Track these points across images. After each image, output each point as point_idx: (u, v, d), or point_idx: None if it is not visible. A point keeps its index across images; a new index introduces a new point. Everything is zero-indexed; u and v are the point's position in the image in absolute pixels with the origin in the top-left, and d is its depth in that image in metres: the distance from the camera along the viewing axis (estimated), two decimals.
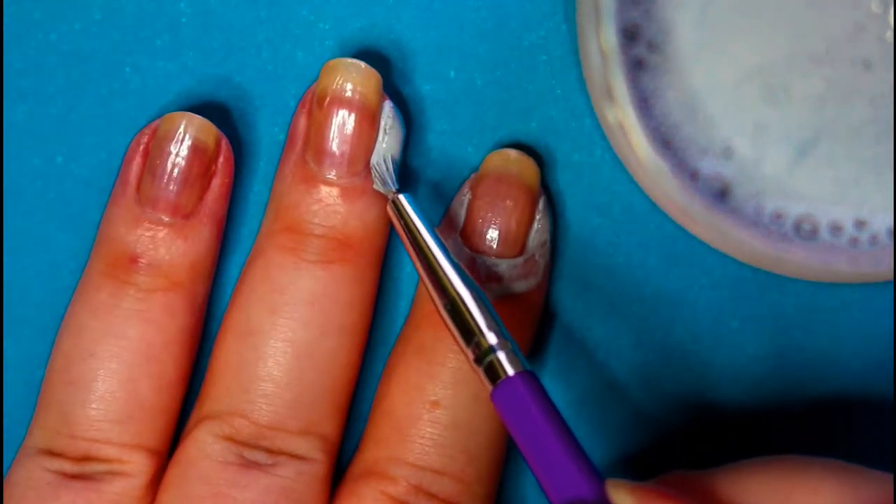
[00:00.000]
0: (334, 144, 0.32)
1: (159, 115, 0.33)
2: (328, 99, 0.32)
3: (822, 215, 0.30)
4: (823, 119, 0.30)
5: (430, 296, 0.30)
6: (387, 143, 0.32)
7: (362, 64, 0.32)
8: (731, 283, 0.34)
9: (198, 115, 0.32)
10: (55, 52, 0.34)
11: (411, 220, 0.31)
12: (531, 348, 0.34)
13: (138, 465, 0.32)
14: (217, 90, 0.34)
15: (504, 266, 0.32)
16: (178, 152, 0.32)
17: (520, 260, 0.33)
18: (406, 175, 0.34)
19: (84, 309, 0.32)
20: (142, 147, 0.33)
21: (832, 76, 0.30)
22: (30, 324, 0.34)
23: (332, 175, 0.32)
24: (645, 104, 0.30)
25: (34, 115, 0.34)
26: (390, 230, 0.33)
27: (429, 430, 0.31)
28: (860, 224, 0.30)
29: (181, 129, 0.32)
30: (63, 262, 0.34)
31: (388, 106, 0.32)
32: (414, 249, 0.31)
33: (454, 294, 0.30)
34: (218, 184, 0.33)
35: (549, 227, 0.33)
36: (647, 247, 0.34)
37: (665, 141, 0.30)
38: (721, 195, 0.30)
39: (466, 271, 0.31)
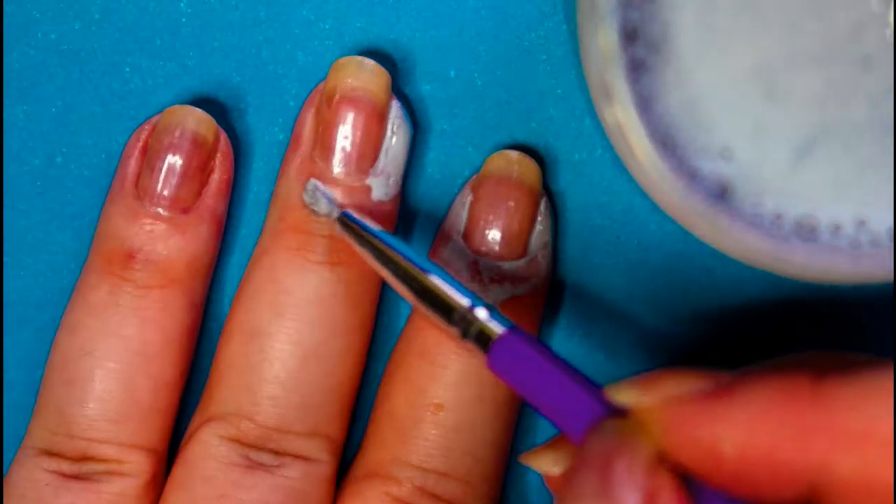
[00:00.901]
0: (344, 143, 0.32)
1: None
2: (338, 97, 0.32)
3: (822, 215, 0.30)
4: (823, 119, 0.30)
5: (402, 293, 0.30)
6: (395, 143, 0.32)
7: (372, 63, 0.32)
8: (731, 283, 0.34)
9: (197, 109, 0.32)
10: (55, 52, 0.34)
11: (364, 232, 0.31)
12: None
13: (136, 465, 0.32)
14: (217, 90, 0.34)
15: (506, 268, 0.32)
16: (177, 145, 0.32)
17: (522, 261, 0.33)
18: (406, 175, 0.34)
19: (82, 307, 0.32)
20: (140, 143, 0.33)
21: (832, 76, 0.30)
22: (30, 324, 0.34)
23: (339, 173, 0.32)
24: (645, 104, 0.30)
25: (34, 115, 0.34)
26: (396, 227, 0.33)
27: (432, 432, 0.31)
28: (860, 224, 0.30)
29: (180, 123, 0.32)
30: (63, 262, 0.34)
31: (396, 106, 0.32)
32: (373, 257, 0.30)
33: (421, 282, 0.29)
34: (216, 179, 0.33)
35: (550, 229, 0.33)
36: (647, 247, 0.34)
37: (665, 141, 0.30)
38: (721, 195, 0.30)
39: (433, 259, 0.30)
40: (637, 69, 0.30)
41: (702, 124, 0.30)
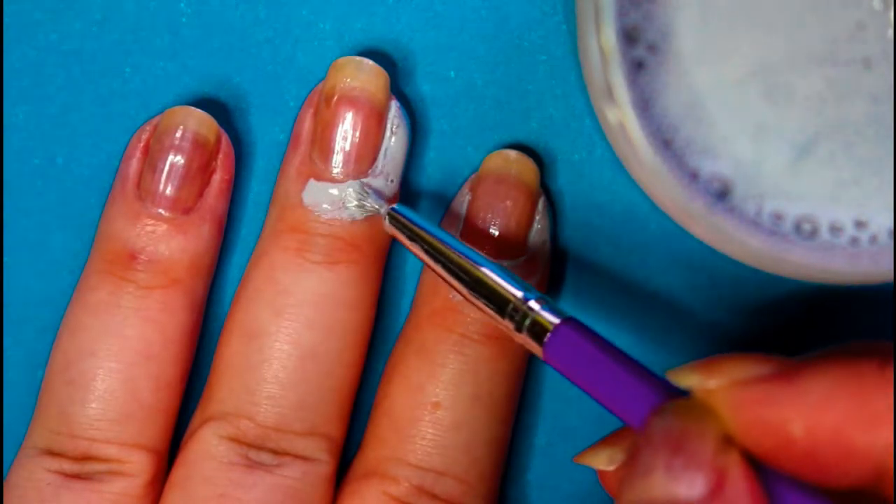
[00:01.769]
0: (343, 143, 0.32)
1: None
2: (336, 97, 0.32)
3: (822, 215, 0.30)
4: (824, 119, 0.30)
5: (455, 288, 0.30)
6: (394, 143, 0.32)
7: (371, 63, 0.32)
8: (731, 283, 0.34)
9: (198, 110, 0.32)
10: (55, 52, 0.34)
11: (415, 227, 0.31)
12: None
13: (138, 465, 0.32)
14: (217, 90, 0.34)
15: (505, 266, 0.32)
16: (179, 146, 0.32)
17: (520, 260, 0.33)
18: (406, 175, 0.34)
19: (83, 308, 0.32)
20: (142, 143, 0.33)
21: (833, 75, 0.30)
22: (30, 324, 0.34)
23: (338, 173, 0.32)
24: (645, 104, 0.30)
25: (34, 115, 0.34)
26: None
27: (430, 431, 0.31)
28: (860, 224, 0.30)
29: (181, 124, 0.32)
30: (63, 262, 0.34)
31: (394, 106, 0.32)
32: (426, 254, 0.31)
33: (474, 275, 0.30)
34: (218, 180, 0.33)
35: (548, 228, 0.33)
36: (647, 247, 0.34)
37: (665, 141, 0.30)
38: (721, 195, 0.30)
39: (480, 252, 0.30)
40: (637, 69, 0.30)
41: (702, 124, 0.30)
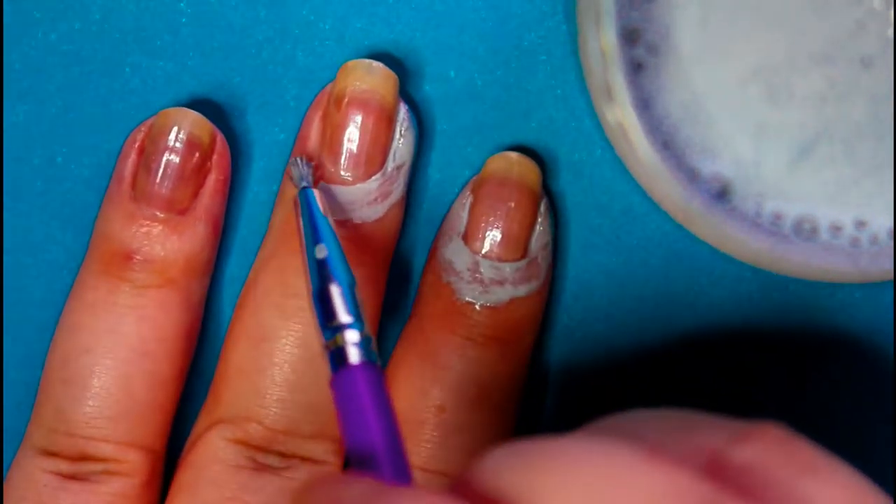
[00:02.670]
0: (352, 146, 0.32)
1: None
2: (346, 100, 0.32)
3: (822, 215, 0.30)
4: (824, 119, 0.30)
5: (306, 285, 0.30)
6: (402, 146, 0.32)
7: (381, 66, 0.32)
8: (731, 283, 0.34)
9: (192, 111, 0.32)
10: (55, 52, 0.34)
11: (310, 212, 0.30)
12: (532, 349, 0.34)
13: (134, 465, 0.32)
14: (217, 90, 0.34)
15: (507, 269, 0.32)
16: (173, 147, 0.32)
17: (522, 263, 0.33)
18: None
19: (80, 306, 0.32)
20: (137, 144, 0.33)
21: (833, 75, 0.30)
22: (30, 324, 0.34)
23: (348, 176, 0.32)
24: (645, 104, 0.30)
25: (34, 115, 0.34)
26: (400, 230, 0.33)
27: (435, 434, 0.31)
28: (860, 224, 0.30)
29: (175, 124, 0.32)
30: (63, 262, 0.34)
31: (403, 108, 0.32)
32: (306, 239, 0.30)
33: (324, 285, 0.29)
34: (213, 180, 0.33)
35: (550, 230, 0.33)
36: (647, 247, 0.34)
37: (665, 141, 0.30)
38: (721, 195, 0.30)
39: (346, 264, 0.30)
40: (637, 69, 0.30)
41: (702, 124, 0.30)
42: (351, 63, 0.32)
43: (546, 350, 0.34)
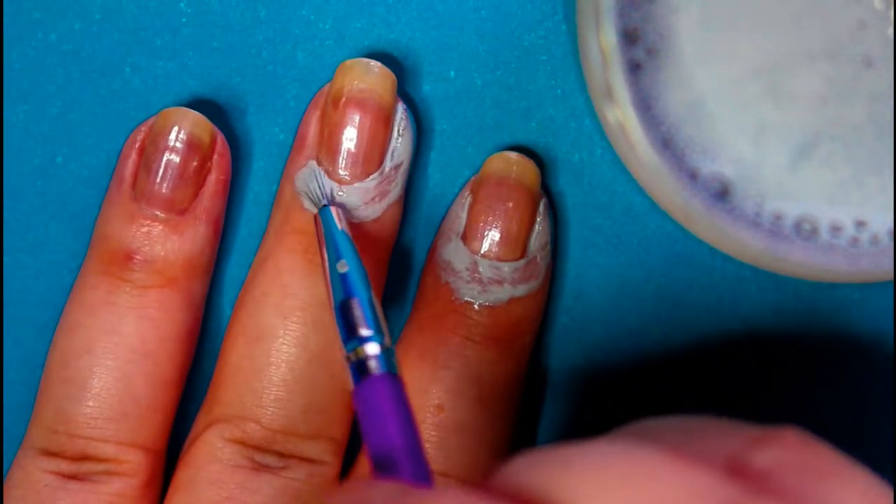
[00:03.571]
0: (350, 145, 0.32)
1: None
2: (344, 99, 0.32)
3: (822, 215, 0.30)
4: (824, 119, 0.30)
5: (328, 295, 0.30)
6: (400, 145, 0.32)
7: (379, 65, 0.32)
8: (731, 283, 0.34)
9: (192, 111, 0.32)
10: (55, 52, 0.34)
11: (331, 229, 0.31)
12: (532, 349, 0.34)
13: (134, 465, 0.32)
14: (217, 90, 0.34)
15: (506, 269, 0.32)
16: (173, 147, 0.32)
17: (521, 263, 0.33)
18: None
19: (80, 306, 0.32)
20: (137, 144, 0.33)
21: (833, 75, 0.30)
22: (30, 324, 0.34)
23: (345, 175, 0.32)
24: (645, 104, 0.30)
25: (34, 115, 0.34)
26: (398, 230, 0.33)
27: (433, 433, 0.31)
28: (860, 224, 0.30)
29: (176, 125, 0.32)
30: (63, 262, 0.34)
31: (401, 108, 0.32)
32: (328, 254, 0.30)
33: (346, 298, 0.29)
34: (213, 180, 0.33)
35: (549, 230, 0.33)
36: (647, 247, 0.34)
37: (665, 141, 0.30)
38: (721, 195, 0.30)
39: (367, 277, 0.30)
40: (637, 69, 0.30)
41: (702, 124, 0.30)
42: (348, 62, 0.32)
43: (546, 350, 0.34)
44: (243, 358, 0.32)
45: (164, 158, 0.32)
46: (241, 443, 0.31)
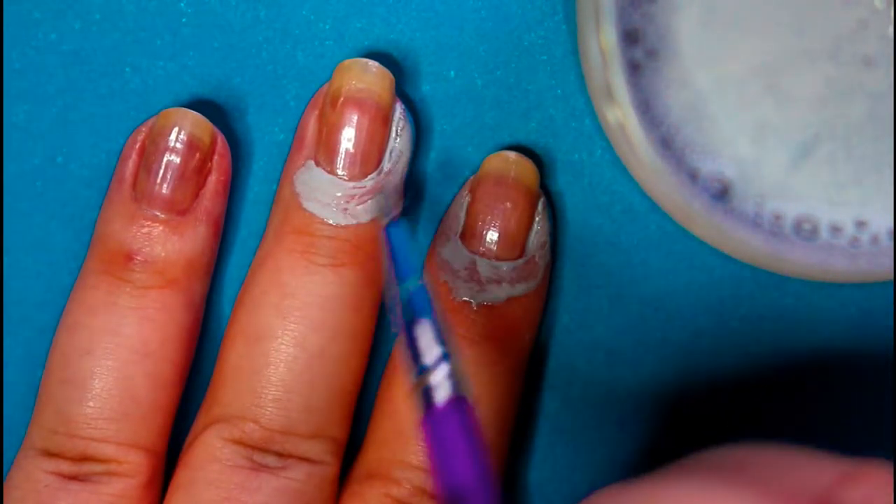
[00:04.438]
0: (348, 145, 0.32)
1: None
2: (342, 99, 0.32)
3: (822, 215, 0.30)
4: (824, 119, 0.30)
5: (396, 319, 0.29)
6: (399, 145, 0.32)
7: (376, 65, 0.32)
8: (731, 283, 0.34)
9: (193, 111, 0.32)
10: (55, 52, 0.34)
11: (401, 246, 0.30)
12: (531, 350, 0.34)
13: (135, 466, 0.32)
14: (217, 90, 0.34)
15: (504, 268, 0.32)
16: (173, 148, 0.32)
17: (520, 262, 0.33)
18: (406, 175, 0.34)
19: (80, 307, 0.32)
20: (138, 145, 0.33)
21: (833, 74, 0.30)
22: (30, 324, 0.34)
23: (343, 175, 0.32)
24: (645, 104, 0.30)
25: (34, 115, 0.34)
26: None
27: None
28: (860, 224, 0.30)
29: (176, 125, 0.32)
30: (63, 262, 0.34)
31: (399, 107, 0.32)
32: (395, 272, 0.30)
33: (410, 320, 0.29)
34: (214, 181, 0.33)
35: (548, 229, 0.33)
36: (647, 247, 0.34)
37: (665, 141, 0.30)
38: (721, 195, 0.30)
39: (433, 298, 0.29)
40: (637, 69, 0.30)
41: (702, 124, 0.30)
42: (346, 62, 0.32)
43: (546, 350, 0.34)
44: (242, 358, 0.32)
45: (165, 159, 0.32)
46: (241, 443, 0.31)
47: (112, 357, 0.32)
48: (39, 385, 0.33)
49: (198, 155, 0.32)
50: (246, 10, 0.34)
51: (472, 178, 0.33)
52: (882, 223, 0.30)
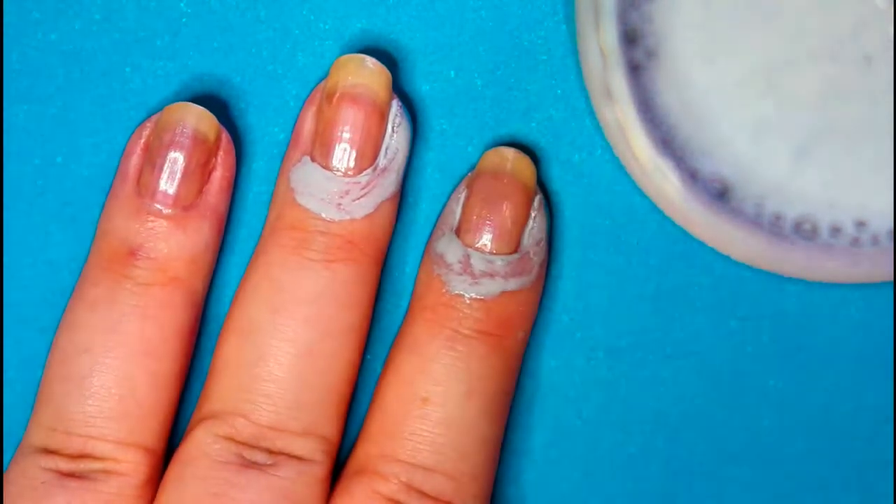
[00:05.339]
0: (344, 141, 0.32)
1: None
2: (338, 95, 0.32)
3: (822, 216, 0.30)
4: (824, 118, 0.30)
5: None
6: (395, 141, 0.32)
7: (373, 61, 0.32)
8: (731, 283, 0.34)
9: (198, 106, 0.32)
10: (55, 52, 0.34)
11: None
12: (527, 347, 0.34)
13: (133, 464, 0.32)
14: (217, 90, 0.34)
15: (498, 262, 0.32)
16: (178, 143, 0.32)
17: (514, 257, 0.32)
18: (405, 174, 0.34)
19: (81, 304, 0.32)
20: (142, 140, 0.33)
21: (833, 74, 0.30)
22: (30, 324, 0.34)
23: (339, 172, 0.32)
24: (645, 104, 0.30)
25: (34, 115, 0.34)
26: (394, 228, 0.33)
27: (419, 426, 0.31)
28: (860, 225, 0.30)
29: (181, 120, 0.32)
30: (63, 262, 0.34)
31: (396, 104, 0.32)
32: None
33: None
34: (218, 177, 0.33)
35: (544, 226, 0.33)
36: (647, 247, 0.34)
37: (665, 141, 0.30)
38: (721, 195, 0.30)
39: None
40: (637, 69, 0.30)
41: (702, 124, 0.30)
42: (343, 58, 0.32)
43: (546, 350, 0.34)
44: (233, 353, 0.32)
45: (169, 154, 0.32)
46: (230, 439, 0.31)
47: (112, 355, 0.32)
48: (39, 383, 0.33)
49: (202, 150, 0.32)
50: (246, 10, 0.34)
51: (469, 173, 0.33)
52: (882, 224, 0.30)
